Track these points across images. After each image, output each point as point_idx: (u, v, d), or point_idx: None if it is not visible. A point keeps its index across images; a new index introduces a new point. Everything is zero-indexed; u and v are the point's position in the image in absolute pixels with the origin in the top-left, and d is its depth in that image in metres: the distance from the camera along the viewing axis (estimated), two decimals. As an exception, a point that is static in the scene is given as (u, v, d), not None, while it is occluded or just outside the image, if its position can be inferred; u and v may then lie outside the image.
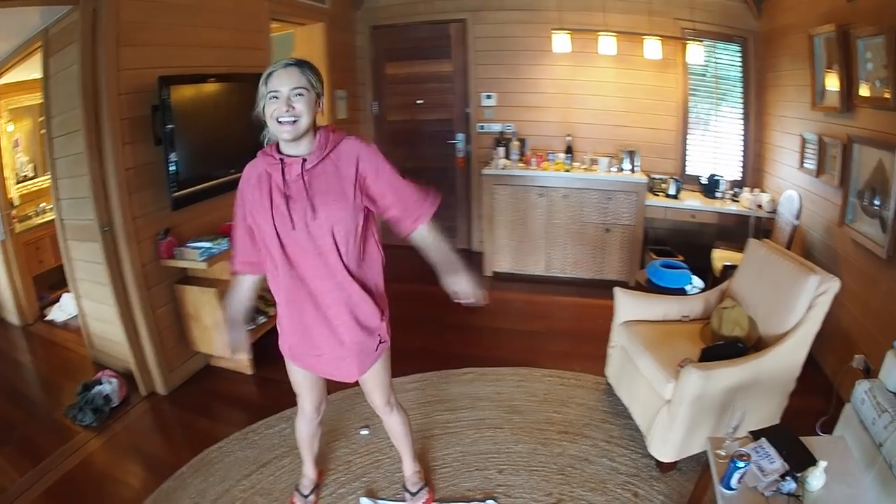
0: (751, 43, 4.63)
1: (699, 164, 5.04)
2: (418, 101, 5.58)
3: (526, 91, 5.18)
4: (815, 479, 1.70)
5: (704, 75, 4.89)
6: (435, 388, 3.31)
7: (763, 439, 1.87)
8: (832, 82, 3.31)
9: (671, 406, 2.41)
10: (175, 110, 3.07)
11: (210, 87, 3.41)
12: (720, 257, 4.12)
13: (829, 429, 2.54)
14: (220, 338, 1.99)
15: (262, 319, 3.73)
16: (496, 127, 5.33)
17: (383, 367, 2.04)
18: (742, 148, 4.85)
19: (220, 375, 3.62)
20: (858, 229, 3.03)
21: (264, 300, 3.83)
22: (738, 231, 4.42)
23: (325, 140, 1.71)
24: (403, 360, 2.93)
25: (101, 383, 3.29)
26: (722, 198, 4.63)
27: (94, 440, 3.04)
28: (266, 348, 3.68)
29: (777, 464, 1.76)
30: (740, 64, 4.74)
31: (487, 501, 2.41)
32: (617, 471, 2.58)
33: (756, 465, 1.77)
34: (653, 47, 4.61)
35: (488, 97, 5.32)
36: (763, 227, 4.20)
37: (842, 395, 2.69)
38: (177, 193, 3.17)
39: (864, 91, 2.98)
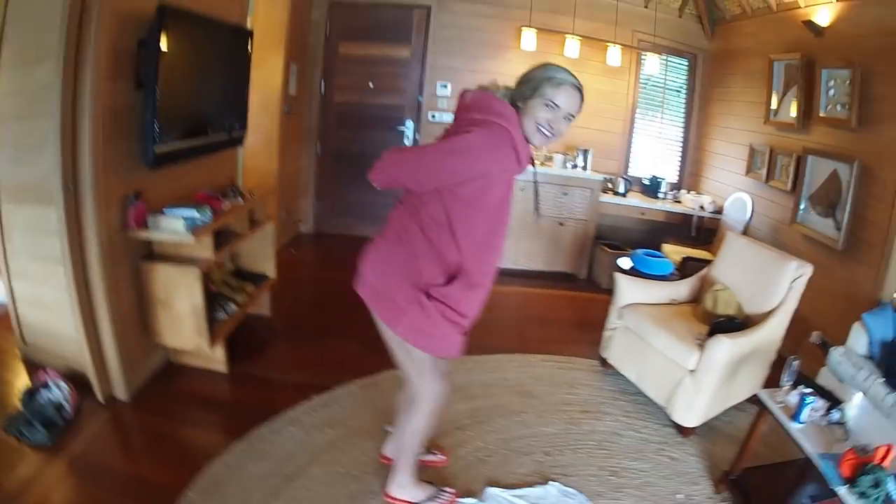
0: (699, 60, 5.70)
1: (639, 167, 5.96)
2: (370, 84, 5.83)
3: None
4: (852, 409, 2.41)
5: (646, 84, 5.82)
6: (440, 377, 3.54)
7: (801, 386, 2.46)
8: (789, 102, 4.29)
9: (697, 375, 2.97)
10: (167, 50, 2.83)
11: (202, 32, 3.26)
12: (673, 251, 4.92)
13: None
14: None
15: (232, 308, 3.53)
16: (448, 117, 5.67)
17: None
18: (680, 153, 5.85)
19: (188, 374, 3.38)
20: (812, 227, 3.98)
21: (228, 286, 3.70)
22: (675, 229, 5.34)
23: None
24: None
25: (47, 387, 2.87)
26: (664, 198, 5.55)
27: (52, 464, 2.58)
28: (240, 342, 3.60)
29: (820, 402, 2.37)
30: (686, 77, 5.75)
31: (551, 483, 2.66)
32: (647, 440, 3.06)
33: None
34: (614, 54, 5.43)
35: (444, 86, 5.74)
36: (704, 226, 5.13)
37: (799, 368, 3.22)
38: (160, 149, 2.90)
39: (823, 112, 3.94)
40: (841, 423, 2.33)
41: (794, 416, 2.33)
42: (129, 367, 3.08)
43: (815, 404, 2.35)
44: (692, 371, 3.01)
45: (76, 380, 3.00)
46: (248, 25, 4.07)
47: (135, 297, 3.14)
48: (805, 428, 2.30)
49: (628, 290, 3.62)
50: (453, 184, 1.88)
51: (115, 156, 2.84)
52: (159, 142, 2.89)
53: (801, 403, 2.30)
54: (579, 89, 1.91)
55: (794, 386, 2.48)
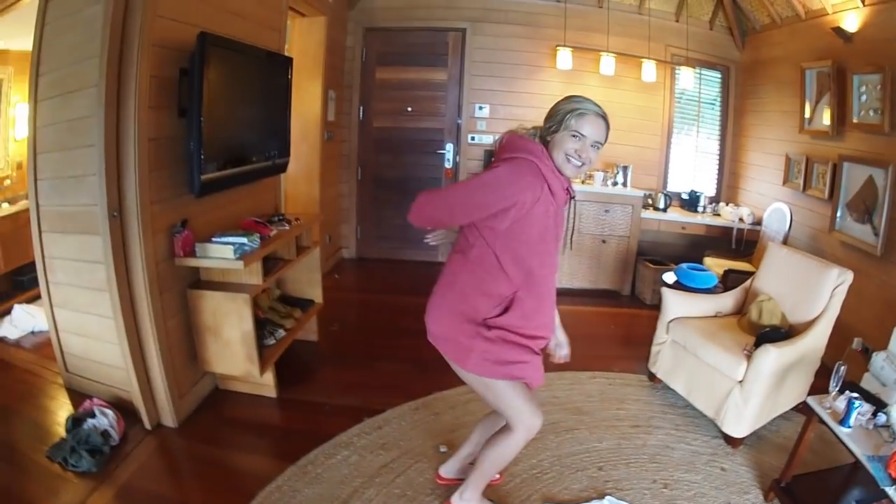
0: (732, 71, 5.77)
1: (677, 181, 6.02)
2: (408, 109, 5.96)
3: (519, 105, 5.80)
4: None
5: (681, 99, 5.91)
6: (492, 397, 3.58)
7: (847, 391, 2.48)
8: (822, 110, 4.30)
9: (745, 385, 3.00)
10: (209, 77, 2.85)
11: (244, 59, 3.32)
12: (715, 264, 4.93)
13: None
14: None
15: (281, 333, 3.57)
16: (487, 139, 5.86)
17: None
18: (717, 166, 5.93)
19: (236, 400, 3.40)
20: (850, 234, 3.99)
21: (276, 312, 3.75)
22: (716, 242, 5.37)
23: None
24: (443, 372, 2.92)
25: (93, 415, 2.89)
26: (703, 212, 5.58)
27: (99, 492, 2.54)
28: (288, 366, 3.63)
29: (866, 406, 2.40)
30: (719, 90, 5.84)
31: (606, 498, 2.68)
32: (698, 452, 3.07)
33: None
34: (649, 70, 5.53)
35: (481, 108, 5.87)
36: (744, 238, 5.15)
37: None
38: (206, 177, 2.92)
39: (856, 119, 3.95)
40: (887, 426, 2.36)
41: (843, 421, 2.35)
42: (177, 394, 3.10)
43: (862, 409, 2.38)
44: (741, 382, 3.03)
45: (122, 407, 3.04)
46: (286, 53, 4.15)
47: (182, 324, 3.16)
48: (853, 432, 2.34)
49: (675, 304, 3.65)
50: (486, 217, 1.99)
51: (160, 184, 2.89)
52: (205, 170, 2.91)
53: (850, 408, 2.34)
54: (603, 117, 2.00)
55: (841, 391, 2.50)
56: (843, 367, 2.52)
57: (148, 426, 3.02)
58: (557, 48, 5.61)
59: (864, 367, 3.21)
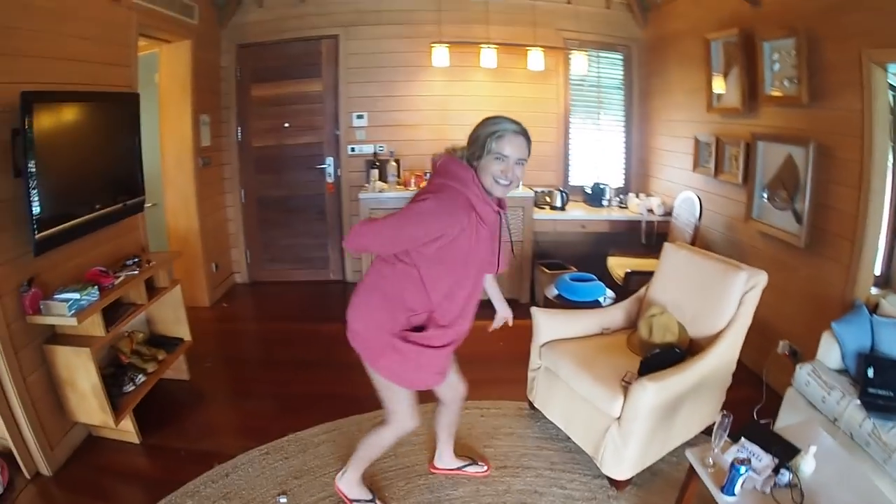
0: (634, 51, 5.29)
1: (581, 174, 5.51)
2: (285, 125, 5.61)
3: (400, 109, 5.40)
4: (807, 465, 1.93)
5: (582, 84, 5.41)
6: (347, 437, 3.15)
7: (743, 439, 2.01)
8: (732, 84, 3.82)
9: (622, 423, 2.49)
10: (39, 135, 2.83)
11: (77, 108, 3.23)
12: (617, 264, 4.45)
13: (767, 414, 2.94)
14: None
15: (141, 378, 3.47)
16: (368, 149, 5.46)
17: None
18: (624, 154, 5.44)
19: (106, 447, 3.36)
20: (770, 223, 3.51)
21: (140, 356, 3.67)
22: (627, 237, 4.86)
23: None
24: (306, 408, 3.36)
25: None
26: (609, 205, 5.11)
27: None
28: (150, 412, 3.50)
29: (766, 460, 1.93)
30: (622, 72, 5.34)
31: None
32: (572, 497, 2.61)
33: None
34: (536, 58, 5.05)
35: (359, 117, 5.47)
36: (656, 231, 4.61)
37: (768, 381, 3.24)
38: (40, 235, 2.91)
39: (770, 91, 3.47)
40: (794, 486, 1.86)
41: (726, 488, 1.86)
42: (48, 444, 3.14)
43: (763, 462, 1.92)
44: (617, 419, 2.53)
45: (7, 457, 3.04)
46: (139, 87, 4.00)
47: (45, 377, 3.18)
48: (741, 501, 1.86)
49: (548, 326, 3.14)
50: (416, 246, 2.06)
51: (3, 246, 2.89)
52: (42, 228, 2.90)
53: (733, 474, 1.84)
54: (522, 133, 2.02)
55: (737, 439, 2.04)
56: (727, 419, 2.02)
57: (27, 475, 3.08)
58: (432, 45, 5.12)
59: (792, 373, 2.79)
